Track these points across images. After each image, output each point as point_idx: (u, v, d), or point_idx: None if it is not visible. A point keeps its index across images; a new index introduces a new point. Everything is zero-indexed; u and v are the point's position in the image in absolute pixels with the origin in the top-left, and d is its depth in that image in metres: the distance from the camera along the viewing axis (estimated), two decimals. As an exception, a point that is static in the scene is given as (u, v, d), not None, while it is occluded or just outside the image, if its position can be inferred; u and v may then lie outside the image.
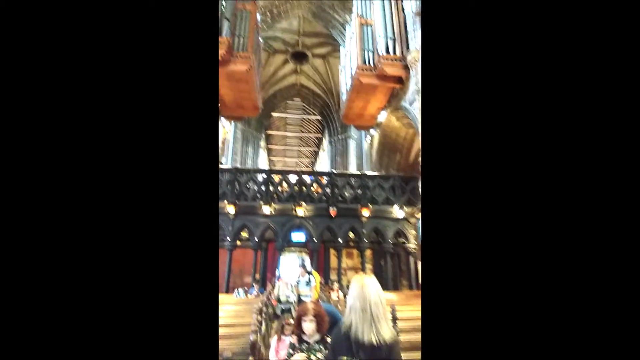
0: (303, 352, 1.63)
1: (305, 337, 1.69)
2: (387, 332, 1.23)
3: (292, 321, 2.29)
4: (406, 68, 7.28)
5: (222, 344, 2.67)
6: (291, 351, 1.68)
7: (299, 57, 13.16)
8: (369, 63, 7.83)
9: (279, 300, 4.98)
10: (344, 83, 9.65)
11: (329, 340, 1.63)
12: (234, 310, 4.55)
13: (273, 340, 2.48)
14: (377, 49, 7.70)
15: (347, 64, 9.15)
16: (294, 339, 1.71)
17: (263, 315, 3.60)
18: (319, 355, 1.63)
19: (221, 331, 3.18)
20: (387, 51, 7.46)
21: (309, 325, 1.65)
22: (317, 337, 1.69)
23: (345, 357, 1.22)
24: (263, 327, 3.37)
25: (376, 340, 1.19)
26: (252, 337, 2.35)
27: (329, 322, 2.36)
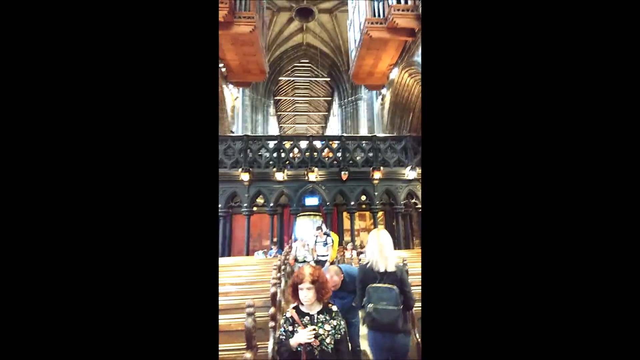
0: (307, 326, 1.41)
1: (304, 308, 1.46)
2: (394, 264, 1.85)
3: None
4: (419, 19, 6.74)
5: (245, 298, 2.93)
6: (290, 328, 1.42)
7: (304, 13, 12.34)
8: (379, 15, 7.28)
9: (296, 260, 5.28)
10: (353, 39, 9.11)
11: (334, 308, 1.49)
12: (255, 269, 4.89)
13: None
14: (387, -1, 7.11)
15: (356, 17, 8.54)
16: (291, 313, 1.46)
17: (281, 271, 3.86)
18: (327, 327, 1.42)
19: (244, 288, 3.47)
20: (399, 0, 6.88)
21: (306, 294, 1.42)
22: (318, 307, 1.46)
23: (374, 284, 1.79)
24: (282, 283, 3.63)
25: (390, 269, 1.81)
26: (272, 290, 2.57)
27: (346, 282, 2.42)
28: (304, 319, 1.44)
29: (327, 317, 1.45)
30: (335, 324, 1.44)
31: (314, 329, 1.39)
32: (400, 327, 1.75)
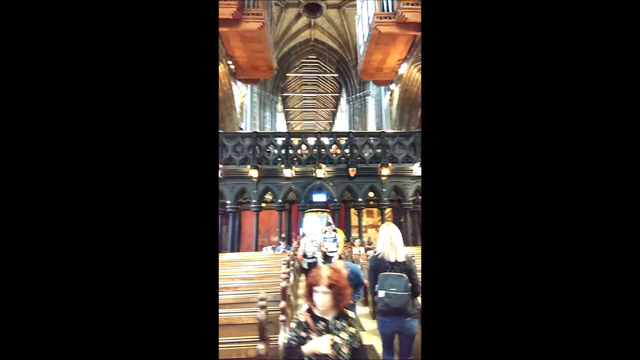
0: (322, 333, 1.27)
1: (317, 312, 1.31)
2: (403, 255, 2.02)
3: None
4: (429, 12, 6.64)
5: (255, 292, 2.99)
6: (303, 333, 1.27)
7: (312, 9, 12.27)
8: (388, 10, 7.20)
9: (305, 256, 5.32)
10: (361, 35, 9.03)
11: (351, 314, 1.35)
12: (264, 264, 4.96)
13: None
14: (396, -7, 7.02)
15: (364, 12, 8.46)
16: (305, 316, 1.31)
17: (290, 267, 3.91)
18: (343, 335, 1.26)
19: (253, 283, 3.54)
20: (408, -6, 6.79)
21: (322, 298, 1.27)
22: (333, 312, 1.31)
23: (385, 272, 1.97)
24: (291, 278, 3.68)
25: (400, 259, 2.00)
26: (282, 284, 2.61)
27: (355, 285, 2.41)
28: (319, 325, 1.29)
29: (344, 324, 1.29)
30: (353, 331, 1.29)
31: (332, 339, 1.24)
32: (409, 311, 1.95)
